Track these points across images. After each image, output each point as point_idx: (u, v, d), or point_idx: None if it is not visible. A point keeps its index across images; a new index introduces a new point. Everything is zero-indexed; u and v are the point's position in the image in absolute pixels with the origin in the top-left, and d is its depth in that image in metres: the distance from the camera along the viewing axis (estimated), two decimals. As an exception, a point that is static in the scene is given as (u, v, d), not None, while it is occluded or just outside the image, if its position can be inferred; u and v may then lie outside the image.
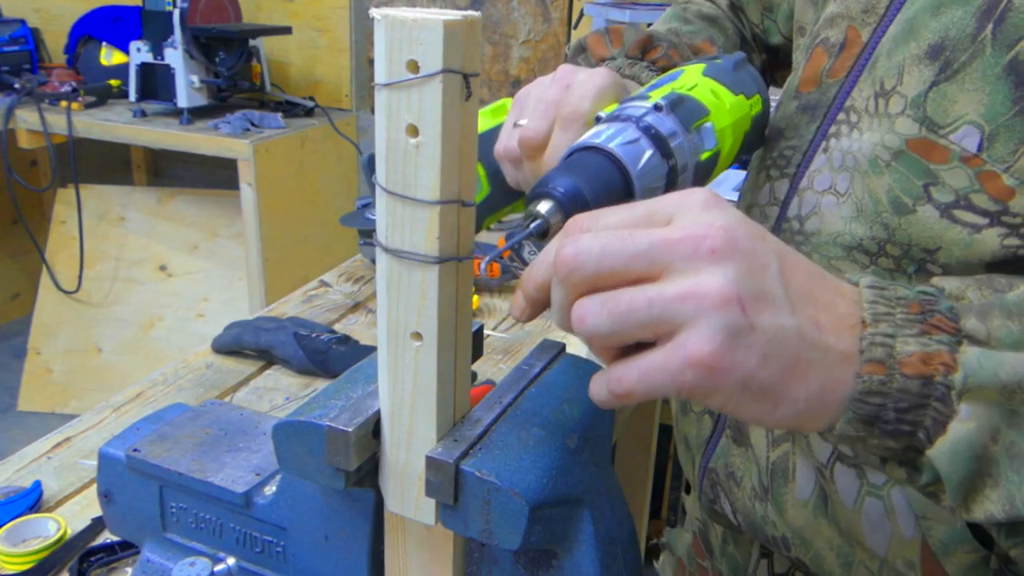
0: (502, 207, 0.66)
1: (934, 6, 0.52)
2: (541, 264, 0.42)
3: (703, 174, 0.56)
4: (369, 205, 1.52)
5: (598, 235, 0.39)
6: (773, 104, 0.66)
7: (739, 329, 0.37)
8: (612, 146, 0.51)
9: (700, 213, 0.39)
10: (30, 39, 2.89)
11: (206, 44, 2.49)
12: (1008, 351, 0.39)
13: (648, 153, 0.51)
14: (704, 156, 0.55)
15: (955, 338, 0.40)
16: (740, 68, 0.62)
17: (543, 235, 0.48)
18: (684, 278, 0.37)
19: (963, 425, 0.39)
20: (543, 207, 0.48)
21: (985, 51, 0.49)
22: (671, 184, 0.53)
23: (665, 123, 0.53)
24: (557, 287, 0.40)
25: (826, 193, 0.59)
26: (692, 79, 0.59)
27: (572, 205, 0.48)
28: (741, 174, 2.00)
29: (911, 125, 0.52)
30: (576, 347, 1.15)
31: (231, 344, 1.15)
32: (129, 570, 0.73)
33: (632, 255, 0.38)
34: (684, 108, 0.55)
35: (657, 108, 0.54)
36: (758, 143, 0.64)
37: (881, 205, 0.54)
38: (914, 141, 0.52)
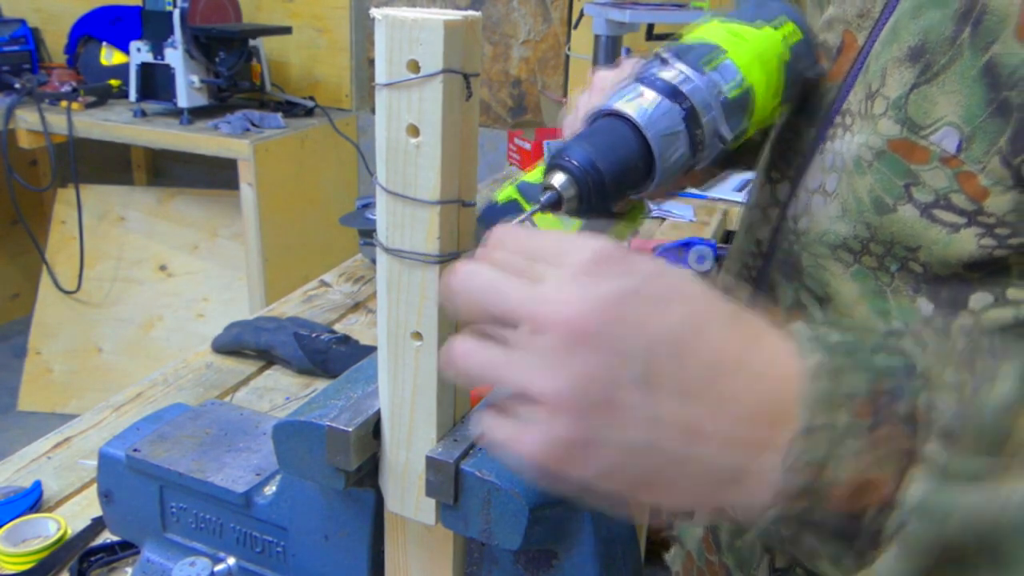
0: (605, 230, 0.65)
1: (914, 8, 0.53)
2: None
3: (737, 110, 0.55)
4: (369, 205, 1.53)
5: (479, 272, 0.37)
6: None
7: (571, 443, 0.34)
8: (617, 105, 0.51)
9: (566, 284, 0.35)
10: (30, 39, 2.89)
11: (206, 44, 2.49)
12: (966, 489, 0.34)
13: (653, 101, 0.51)
14: (732, 93, 0.54)
15: (906, 458, 0.34)
16: (763, 4, 0.60)
17: (556, 207, 0.48)
18: (527, 362, 0.35)
19: (888, 566, 0.34)
20: (556, 179, 0.48)
21: (963, 54, 0.49)
22: (696, 127, 0.52)
23: (671, 70, 0.53)
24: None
25: (816, 193, 0.59)
26: (703, 28, 0.59)
27: (584, 175, 0.48)
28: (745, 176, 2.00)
29: (892, 126, 0.53)
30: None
31: (231, 344, 1.15)
32: (129, 570, 0.72)
33: (492, 313, 0.36)
34: (692, 53, 0.54)
35: (662, 61, 0.54)
36: (810, 70, 0.61)
37: (864, 204, 0.54)
38: (895, 142, 0.52)
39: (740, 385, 0.35)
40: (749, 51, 0.56)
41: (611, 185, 0.49)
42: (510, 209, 0.64)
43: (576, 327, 0.34)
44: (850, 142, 0.56)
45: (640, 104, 0.51)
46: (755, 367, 0.35)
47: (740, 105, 0.55)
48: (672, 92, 0.51)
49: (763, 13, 0.59)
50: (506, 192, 0.62)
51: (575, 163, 0.48)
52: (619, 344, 0.34)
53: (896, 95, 0.53)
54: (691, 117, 0.51)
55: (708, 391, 0.35)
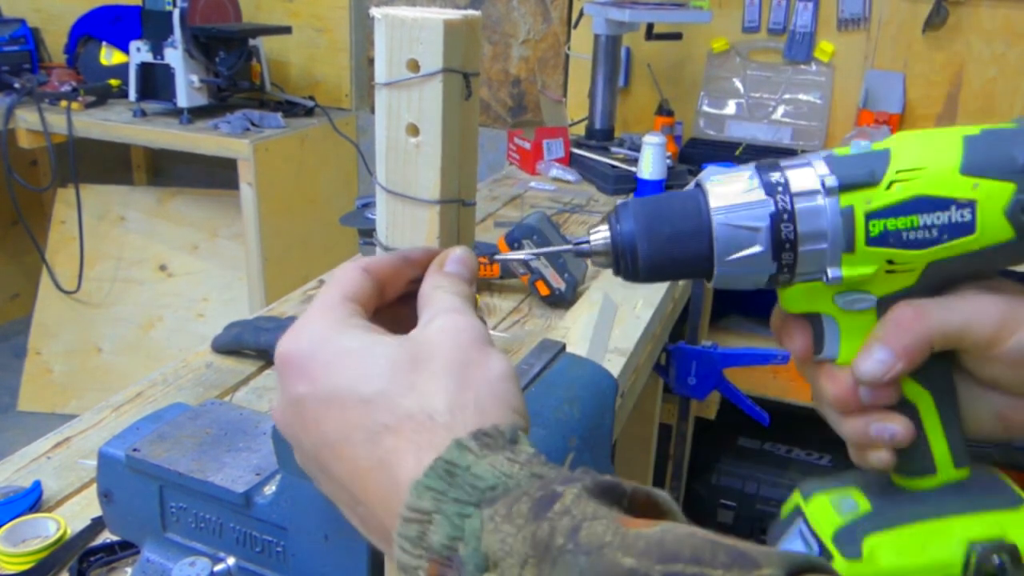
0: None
1: None
2: None
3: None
4: (369, 205, 1.52)
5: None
6: None
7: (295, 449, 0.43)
8: (702, 176, 0.47)
9: (293, 371, 0.40)
10: (30, 39, 2.89)
11: (206, 44, 2.49)
12: None
13: (734, 168, 0.46)
14: (864, 187, 0.44)
15: None
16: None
17: (583, 254, 0.46)
18: None
19: None
20: (598, 235, 0.45)
21: None
22: (781, 191, 0.44)
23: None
24: None
25: None
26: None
27: (617, 247, 0.45)
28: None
29: None
30: (576, 347, 1.14)
31: (231, 344, 1.15)
32: (129, 570, 0.72)
33: None
34: (833, 156, 0.46)
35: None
36: None
37: None
38: None
39: (376, 497, 0.38)
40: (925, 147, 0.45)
41: (644, 264, 0.45)
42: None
43: (276, 415, 0.43)
44: None
45: (717, 173, 0.46)
46: (384, 486, 0.37)
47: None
48: (765, 166, 0.45)
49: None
50: (789, 504, 0.54)
51: (620, 232, 0.45)
52: (297, 437, 0.41)
53: None
54: (776, 187, 0.44)
55: (361, 493, 0.38)
